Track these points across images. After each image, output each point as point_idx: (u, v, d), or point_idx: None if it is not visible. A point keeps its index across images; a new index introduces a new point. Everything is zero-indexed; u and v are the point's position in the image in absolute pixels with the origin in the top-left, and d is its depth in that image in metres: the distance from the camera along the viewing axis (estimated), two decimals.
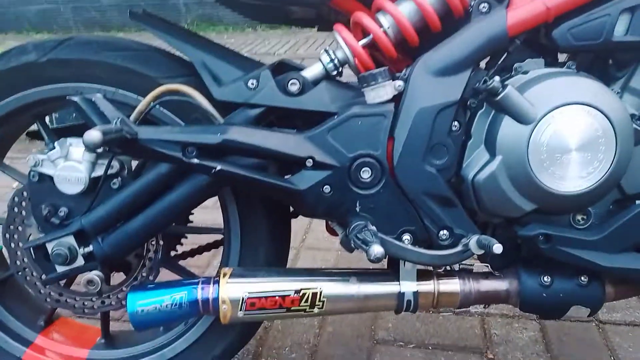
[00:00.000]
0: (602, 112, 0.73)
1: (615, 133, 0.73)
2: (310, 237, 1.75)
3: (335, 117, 0.78)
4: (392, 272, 0.87)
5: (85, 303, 0.97)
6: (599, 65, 0.83)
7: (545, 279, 0.85)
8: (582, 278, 0.85)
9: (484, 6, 0.78)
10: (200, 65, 0.84)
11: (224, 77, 0.83)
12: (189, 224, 1.05)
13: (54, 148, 0.87)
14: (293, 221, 1.00)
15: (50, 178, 0.86)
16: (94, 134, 0.63)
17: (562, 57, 0.85)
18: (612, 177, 0.75)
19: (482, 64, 0.82)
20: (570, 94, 0.73)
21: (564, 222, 0.81)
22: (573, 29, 0.77)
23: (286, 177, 0.79)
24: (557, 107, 0.73)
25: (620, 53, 0.80)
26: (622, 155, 0.74)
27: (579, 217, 0.81)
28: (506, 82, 0.76)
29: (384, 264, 0.88)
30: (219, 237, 1.07)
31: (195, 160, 0.74)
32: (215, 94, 0.82)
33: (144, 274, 0.95)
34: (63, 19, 5.36)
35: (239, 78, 0.82)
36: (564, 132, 0.73)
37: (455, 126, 0.78)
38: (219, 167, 0.74)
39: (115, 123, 0.70)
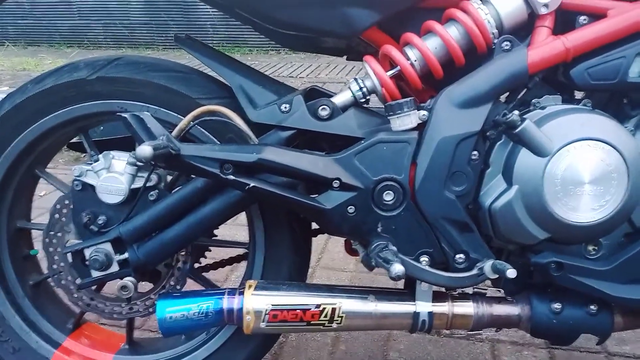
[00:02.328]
0: (615, 148, 0.77)
1: (627, 169, 0.77)
2: (325, 257, 1.79)
3: (362, 142, 0.83)
4: (408, 293, 0.91)
5: (115, 308, 1.02)
6: (614, 103, 0.87)
7: (556, 306, 0.88)
8: (592, 307, 0.88)
9: (506, 44, 0.83)
10: (238, 88, 0.90)
11: (259, 101, 0.89)
12: (213, 238, 1.10)
13: (97, 160, 0.93)
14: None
15: (93, 187, 0.92)
16: (146, 149, 0.69)
17: (579, 94, 0.90)
18: (623, 211, 0.79)
19: (502, 98, 0.88)
20: (585, 130, 0.78)
21: (576, 251, 0.84)
22: (590, 69, 0.81)
23: (314, 196, 0.84)
24: (572, 142, 0.77)
25: (635, 93, 0.84)
26: (634, 190, 0.78)
27: (590, 248, 0.85)
28: (525, 116, 0.81)
29: (399, 284, 0.92)
30: (240, 251, 1.12)
31: (232, 177, 0.80)
32: (251, 115, 0.87)
33: (172, 283, 1.00)
34: (93, 35, 5.55)
35: (273, 102, 0.88)
36: (578, 166, 0.77)
37: (475, 155, 0.82)
38: (252, 184, 0.79)
39: (162, 139, 0.76)
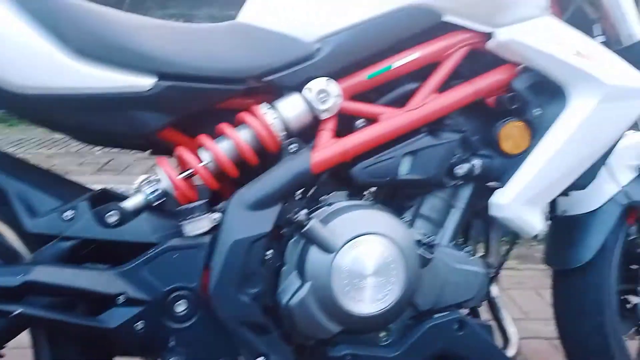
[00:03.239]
0: (391, 240, 0.84)
1: (403, 258, 0.85)
2: None
3: (152, 250, 0.80)
4: None
5: None
6: (393, 196, 0.96)
7: None
8: None
9: (293, 146, 0.88)
10: (14, 194, 0.81)
11: (40, 207, 0.82)
12: None
13: None
14: None
15: None
16: None
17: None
18: (404, 298, 0.85)
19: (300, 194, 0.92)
20: (365, 225, 0.84)
21: (370, 340, 0.89)
22: (367, 167, 0.89)
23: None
24: (354, 237, 0.83)
25: (407, 188, 0.94)
26: (412, 277, 0.85)
27: (382, 335, 0.90)
28: (313, 214, 0.85)
29: None
30: None
31: None
32: (27, 226, 0.79)
33: None
34: None
35: (55, 209, 0.81)
36: (361, 260, 0.83)
37: (269, 254, 0.84)
38: (18, 311, 0.71)
39: None
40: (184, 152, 0.87)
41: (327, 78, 0.87)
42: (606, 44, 1.02)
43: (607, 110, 0.90)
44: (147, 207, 0.85)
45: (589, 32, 1.02)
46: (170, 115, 0.86)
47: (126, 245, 0.82)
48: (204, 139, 0.87)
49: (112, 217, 0.82)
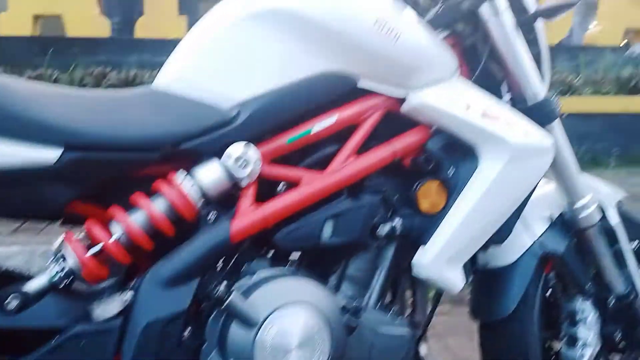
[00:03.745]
0: (315, 310, 0.82)
1: (328, 329, 0.82)
2: None
3: (57, 337, 0.73)
4: None
5: None
6: (318, 260, 0.95)
7: None
8: None
9: (212, 215, 0.85)
10: None
11: None
12: None
13: None
14: None
15: None
16: None
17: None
18: None
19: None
20: (287, 295, 0.82)
21: None
22: (290, 233, 0.88)
23: None
24: (276, 309, 0.80)
25: (332, 251, 0.93)
26: (337, 347, 0.83)
27: None
28: (234, 286, 0.82)
29: None
30: None
31: None
32: None
33: None
34: None
35: None
36: (285, 332, 0.80)
37: (187, 334, 0.79)
38: None
39: None
40: (94, 226, 0.82)
41: (246, 143, 0.86)
42: (513, 102, 1.08)
43: (515, 169, 0.94)
44: (52, 288, 0.79)
45: (497, 91, 1.08)
46: (78, 188, 0.81)
47: (29, 332, 0.75)
48: (115, 210, 0.83)
49: (12, 303, 0.75)
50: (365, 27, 0.90)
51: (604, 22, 7.34)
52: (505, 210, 0.96)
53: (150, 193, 0.86)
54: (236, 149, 0.85)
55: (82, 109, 0.84)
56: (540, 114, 1.05)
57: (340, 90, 0.92)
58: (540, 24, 1.10)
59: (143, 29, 6.06)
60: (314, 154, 0.94)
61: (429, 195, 0.95)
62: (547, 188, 1.15)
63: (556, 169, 1.09)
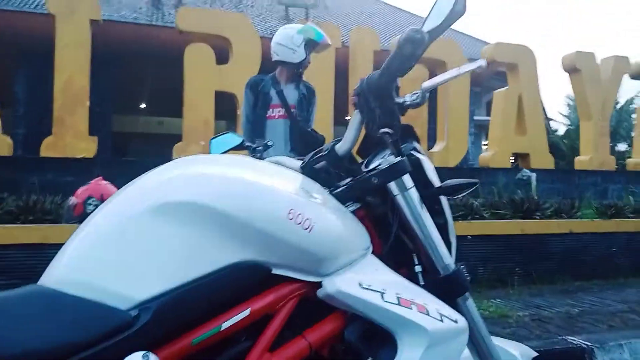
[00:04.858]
0: None
1: None
2: None
3: None
4: None
5: None
6: None
7: None
8: None
9: None
10: None
11: None
12: None
13: None
14: None
15: None
16: None
17: None
18: None
19: None
20: None
21: None
22: None
23: None
24: None
25: None
26: None
27: None
28: None
29: None
30: None
31: None
32: None
33: None
34: None
35: None
36: None
37: None
38: None
39: None
40: None
41: (144, 353, 0.77)
42: (424, 273, 1.09)
43: (434, 355, 0.93)
44: None
45: (409, 261, 1.09)
46: None
47: None
48: None
49: None
50: (279, 219, 0.89)
51: (494, 148, 8.19)
52: None
53: None
54: None
55: None
56: (451, 287, 1.06)
57: (252, 280, 0.88)
58: (444, 198, 1.15)
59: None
60: (225, 351, 0.86)
61: None
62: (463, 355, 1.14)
63: (470, 339, 1.09)
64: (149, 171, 0.94)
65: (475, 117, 13.69)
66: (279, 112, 3.67)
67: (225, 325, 0.84)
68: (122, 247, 0.83)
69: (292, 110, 3.65)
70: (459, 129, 7.91)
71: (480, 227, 4.58)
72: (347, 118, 5.28)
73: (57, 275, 0.82)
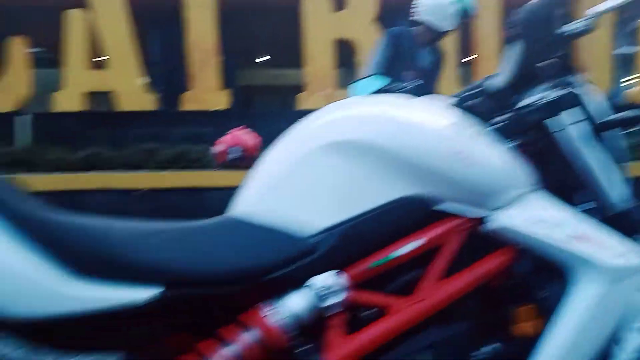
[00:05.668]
0: None
1: None
2: None
3: None
4: None
5: None
6: None
7: None
8: None
9: (302, 348, 0.84)
10: None
11: None
12: None
13: None
14: None
15: None
16: None
17: None
18: None
19: None
20: None
21: None
22: None
23: None
24: None
25: None
26: None
27: None
28: None
29: None
30: None
31: None
32: None
33: None
34: None
35: None
36: None
37: None
38: None
39: None
40: None
41: (331, 272, 0.85)
42: (596, 210, 1.04)
43: (613, 293, 0.90)
44: None
45: (571, 198, 1.04)
46: (174, 324, 0.82)
47: None
48: (207, 346, 0.82)
49: None
50: (442, 154, 0.91)
51: None
52: (603, 335, 0.92)
53: (238, 326, 0.85)
54: (322, 279, 0.85)
55: (176, 246, 0.85)
56: (630, 223, 1.01)
57: (419, 214, 0.92)
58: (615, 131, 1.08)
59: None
60: (397, 278, 0.92)
61: (521, 319, 0.91)
62: None
63: None
64: (311, 114, 1.01)
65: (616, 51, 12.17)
66: (410, 74, 3.55)
67: (396, 254, 0.89)
68: (302, 180, 0.92)
69: (422, 76, 3.47)
70: (599, 64, 7.13)
71: None
72: None
73: (244, 207, 0.93)
